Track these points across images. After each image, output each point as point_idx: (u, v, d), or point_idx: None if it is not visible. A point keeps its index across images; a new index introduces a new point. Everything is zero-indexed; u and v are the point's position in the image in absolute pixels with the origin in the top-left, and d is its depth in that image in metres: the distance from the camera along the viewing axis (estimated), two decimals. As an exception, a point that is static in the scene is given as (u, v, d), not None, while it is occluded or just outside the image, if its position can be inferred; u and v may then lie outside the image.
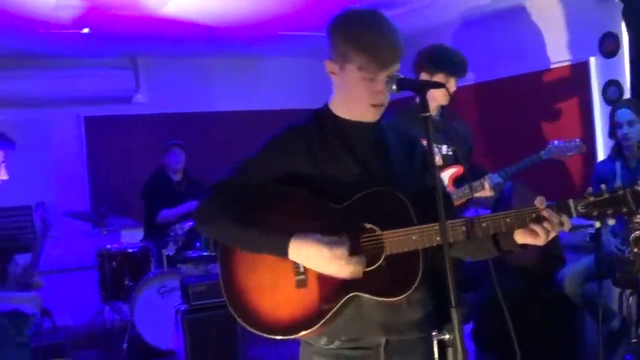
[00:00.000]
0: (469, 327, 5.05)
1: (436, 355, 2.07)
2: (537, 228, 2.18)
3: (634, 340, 4.27)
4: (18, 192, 6.41)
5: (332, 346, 2.34)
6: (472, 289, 4.93)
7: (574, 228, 2.27)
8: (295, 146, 2.37)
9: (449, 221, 2.18)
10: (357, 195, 2.28)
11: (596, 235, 4.64)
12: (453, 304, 1.97)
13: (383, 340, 2.32)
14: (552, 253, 5.20)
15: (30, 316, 3.47)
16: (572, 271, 4.99)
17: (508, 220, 2.21)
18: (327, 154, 2.35)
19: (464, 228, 2.21)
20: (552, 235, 2.19)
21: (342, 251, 2.17)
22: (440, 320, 2.07)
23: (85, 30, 6.39)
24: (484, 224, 2.22)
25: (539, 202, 2.19)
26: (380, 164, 2.37)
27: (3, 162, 3.43)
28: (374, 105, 2.33)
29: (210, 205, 2.38)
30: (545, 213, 2.17)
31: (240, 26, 6.75)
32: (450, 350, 2.00)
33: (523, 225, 2.21)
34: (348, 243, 2.19)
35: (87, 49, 7.33)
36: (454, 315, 1.97)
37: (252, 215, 2.31)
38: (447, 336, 2.00)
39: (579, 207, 2.18)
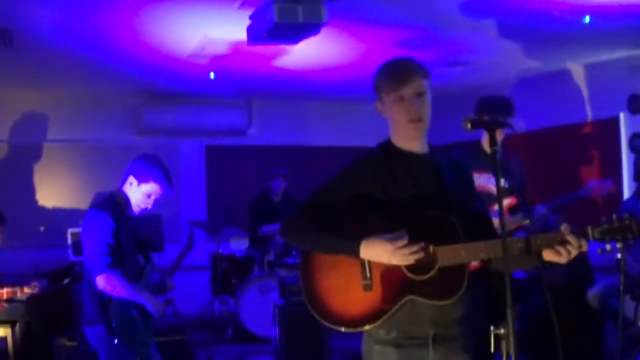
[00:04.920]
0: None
1: (492, 346, 2.05)
2: (561, 249, 2.21)
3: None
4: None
5: (390, 337, 2.35)
6: (519, 301, 4.99)
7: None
8: (365, 172, 2.40)
9: (492, 240, 2.23)
10: (417, 216, 2.28)
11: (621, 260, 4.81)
12: (508, 304, 1.98)
13: (431, 333, 2.33)
14: (584, 274, 5.33)
15: (151, 315, 3.42)
16: (599, 288, 5.06)
17: (538, 242, 2.24)
18: (391, 178, 2.37)
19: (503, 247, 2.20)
20: (573, 255, 2.22)
21: (402, 242, 2.20)
22: (484, 319, 2.11)
23: (212, 75, 6.50)
24: (519, 245, 2.25)
25: (564, 228, 2.21)
26: (435, 187, 2.37)
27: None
28: (412, 120, 2.33)
29: (297, 219, 2.43)
30: (569, 237, 2.20)
31: (335, 78, 6.76)
32: (503, 343, 2.03)
33: (550, 246, 2.23)
34: (407, 236, 2.21)
35: (211, 90, 7.47)
36: (509, 314, 1.99)
37: (331, 226, 2.33)
38: (502, 331, 2.02)
39: (595, 233, 2.21)
